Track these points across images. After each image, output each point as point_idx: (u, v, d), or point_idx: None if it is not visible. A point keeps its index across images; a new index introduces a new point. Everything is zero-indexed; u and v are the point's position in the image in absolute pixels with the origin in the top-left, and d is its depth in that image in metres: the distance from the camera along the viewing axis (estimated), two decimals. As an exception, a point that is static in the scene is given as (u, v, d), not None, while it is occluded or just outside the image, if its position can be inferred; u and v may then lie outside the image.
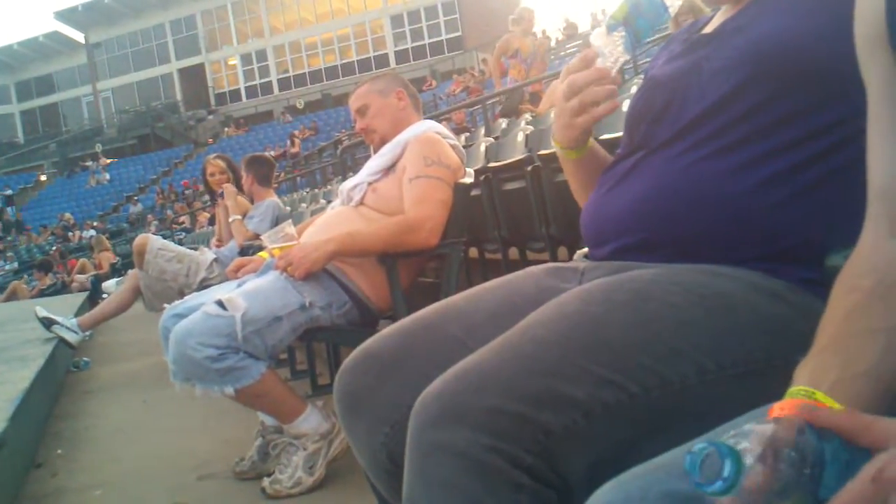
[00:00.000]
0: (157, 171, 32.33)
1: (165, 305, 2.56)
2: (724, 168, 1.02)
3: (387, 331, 1.16)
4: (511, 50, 7.63)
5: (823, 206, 0.99)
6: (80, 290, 12.58)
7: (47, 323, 4.70)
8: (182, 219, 19.91)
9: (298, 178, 14.59)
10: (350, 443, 1.15)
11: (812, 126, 0.99)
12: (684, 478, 0.61)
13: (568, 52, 18.29)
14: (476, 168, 3.04)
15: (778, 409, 0.62)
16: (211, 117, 37.23)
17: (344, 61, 36.20)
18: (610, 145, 1.29)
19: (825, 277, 0.81)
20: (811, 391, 0.62)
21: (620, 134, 1.27)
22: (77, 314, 5.36)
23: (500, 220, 3.13)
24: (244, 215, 4.55)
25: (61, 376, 4.93)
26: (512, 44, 7.62)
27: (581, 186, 1.30)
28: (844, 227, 0.80)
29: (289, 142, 23.49)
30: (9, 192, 33.58)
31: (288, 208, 5.91)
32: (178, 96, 39.03)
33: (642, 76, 1.55)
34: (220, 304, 2.12)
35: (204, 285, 4.18)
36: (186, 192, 24.93)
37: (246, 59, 38.06)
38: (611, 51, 1.09)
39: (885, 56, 0.75)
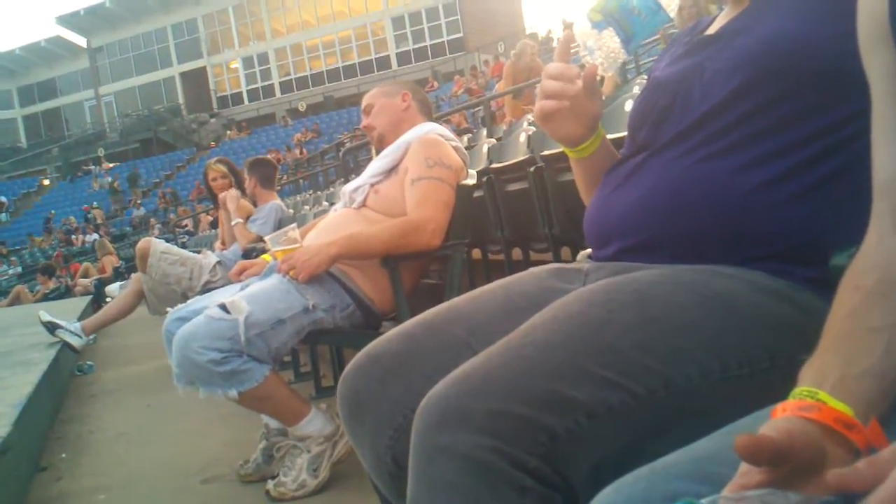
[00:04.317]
0: (159, 175, 32.39)
1: (169, 309, 2.56)
2: (727, 169, 1.01)
3: (390, 333, 1.16)
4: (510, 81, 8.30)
5: (827, 205, 0.98)
6: (83, 294, 12.64)
7: (51, 327, 4.71)
8: (185, 222, 19.94)
9: (301, 181, 14.61)
10: (354, 446, 1.15)
11: (815, 126, 0.99)
12: (688, 479, 0.61)
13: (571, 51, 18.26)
14: (478, 169, 3.04)
15: (780, 409, 0.62)
16: (213, 120, 37.26)
17: (345, 63, 36.17)
18: (613, 145, 1.29)
19: (829, 277, 0.80)
20: (814, 391, 0.62)
21: (624, 134, 1.27)
22: (81, 318, 5.37)
23: (502, 221, 3.12)
24: (247, 218, 4.56)
25: (65, 380, 4.94)
26: (512, 75, 8.27)
27: (588, 186, 1.29)
28: (849, 226, 0.79)
29: (297, 151, 23.47)
30: (3, 198, 33.23)
31: (291, 211, 5.92)
32: (181, 100, 39.07)
33: (645, 76, 1.54)
34: (224, 307, 2.12)
35: (207, 288, 4.17)
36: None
37: (248, 62, 38.08)
38: (601, 48, 1.08)
39: (888, 53, 0.74)
